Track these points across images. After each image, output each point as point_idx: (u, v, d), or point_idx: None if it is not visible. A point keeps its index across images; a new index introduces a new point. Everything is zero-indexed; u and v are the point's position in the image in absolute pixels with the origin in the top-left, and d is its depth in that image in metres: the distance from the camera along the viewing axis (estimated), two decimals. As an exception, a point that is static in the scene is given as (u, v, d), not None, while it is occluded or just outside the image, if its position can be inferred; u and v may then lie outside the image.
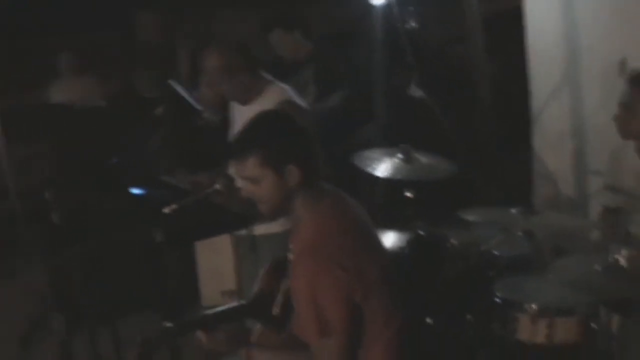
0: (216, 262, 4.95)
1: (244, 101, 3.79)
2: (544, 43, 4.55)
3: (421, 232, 3.61)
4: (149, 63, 6.54)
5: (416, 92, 4.65)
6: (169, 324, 2.66)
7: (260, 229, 3.65)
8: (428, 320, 3.40)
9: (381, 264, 2.65)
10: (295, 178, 2.56)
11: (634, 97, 3.60)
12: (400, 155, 3.79)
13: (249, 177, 2.59)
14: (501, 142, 4.86)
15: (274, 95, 3.70)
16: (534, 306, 3.18)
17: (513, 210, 3.36)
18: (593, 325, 3.20)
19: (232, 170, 3.31)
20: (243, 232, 3.80)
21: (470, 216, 3.43)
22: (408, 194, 3.82)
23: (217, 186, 3.30)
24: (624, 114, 3.63)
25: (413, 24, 6.73)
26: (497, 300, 3.29)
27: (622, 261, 2.95)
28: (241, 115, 3.78)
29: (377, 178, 3.80)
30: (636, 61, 4.00)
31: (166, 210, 3.13)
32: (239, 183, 2.71)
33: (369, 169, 3.77)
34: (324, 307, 2.48)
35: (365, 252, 2.61)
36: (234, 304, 2.95)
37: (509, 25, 4.92)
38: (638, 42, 4.00)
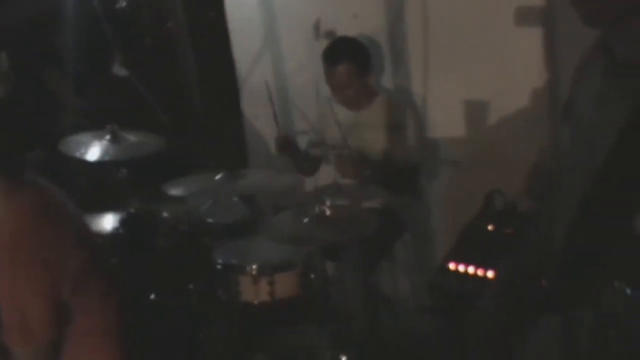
0: None
1: None
2: (242, 11, 4.61)
3: (132, 210, 3.57)
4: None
5: (120, 71, 4.56)
6: None
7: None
8: (152, 296, 3.39)
9: (91, 251, 2.56)
10: None
11: (330, 72, 3.79)
12: (107, 137, 3.73)
13: None
14: (214, 111, 4.89)
15: None
16: (254, 266, 3.28)
17: (217, 177, 3.40)
18: (312, 275, 3.36)
19: None
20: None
21: (178, 189, 3.43)
22: (120, 174, 3.76)
23: None
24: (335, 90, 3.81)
25: (123, 3, 6.60)
26: (219, 266, 3.36)
27: (327, 211, 3.12)
28: None
29: (87, 162, 3.70)
30: (330, 23, 4.20)
31: None
32: None
33: (78, 154, 3.66)
34: (26, 310, 2.34)
35: (71, 242, 2.47)
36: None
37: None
38: (330, 3, 4.18)
